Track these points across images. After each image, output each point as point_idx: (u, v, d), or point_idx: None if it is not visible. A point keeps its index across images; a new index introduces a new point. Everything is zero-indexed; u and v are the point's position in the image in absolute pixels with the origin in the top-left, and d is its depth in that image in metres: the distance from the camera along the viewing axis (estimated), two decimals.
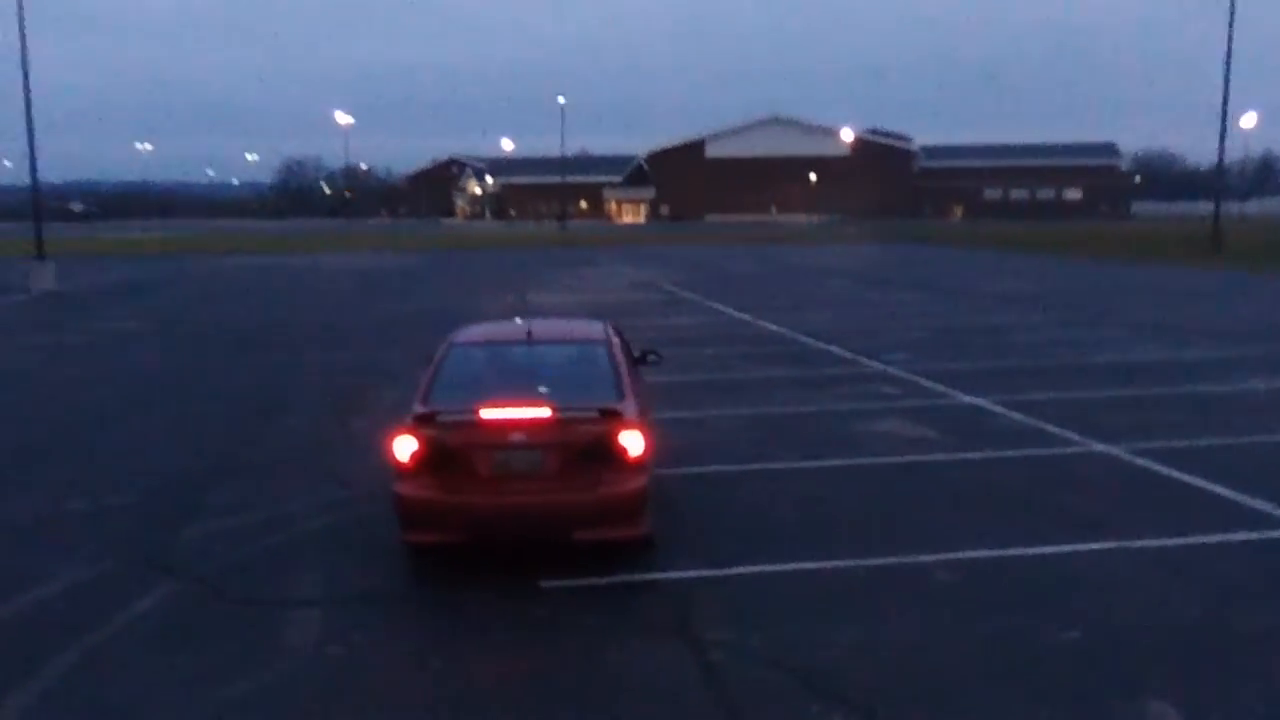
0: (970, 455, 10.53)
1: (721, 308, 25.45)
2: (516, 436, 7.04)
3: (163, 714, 5.45)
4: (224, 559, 7.75)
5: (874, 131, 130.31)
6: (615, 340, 8.44)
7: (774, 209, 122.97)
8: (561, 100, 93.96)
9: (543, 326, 8.75)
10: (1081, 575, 7.20)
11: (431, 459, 7.04)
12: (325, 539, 8.17)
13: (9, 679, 5.81)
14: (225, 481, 9.94)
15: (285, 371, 16.64)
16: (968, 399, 13.37)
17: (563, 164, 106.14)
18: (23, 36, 32.09)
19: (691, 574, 7.29)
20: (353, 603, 6.94)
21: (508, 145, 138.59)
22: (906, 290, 29.84)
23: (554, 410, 7.08)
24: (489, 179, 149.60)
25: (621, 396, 7.55)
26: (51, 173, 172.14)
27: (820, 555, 7.59)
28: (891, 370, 15.72)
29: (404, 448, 7.06)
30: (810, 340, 19.33)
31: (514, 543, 7.45)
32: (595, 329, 8.79)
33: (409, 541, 7.21)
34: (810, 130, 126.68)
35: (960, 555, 7.57)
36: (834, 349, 18.09)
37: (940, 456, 10.48)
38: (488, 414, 7.06)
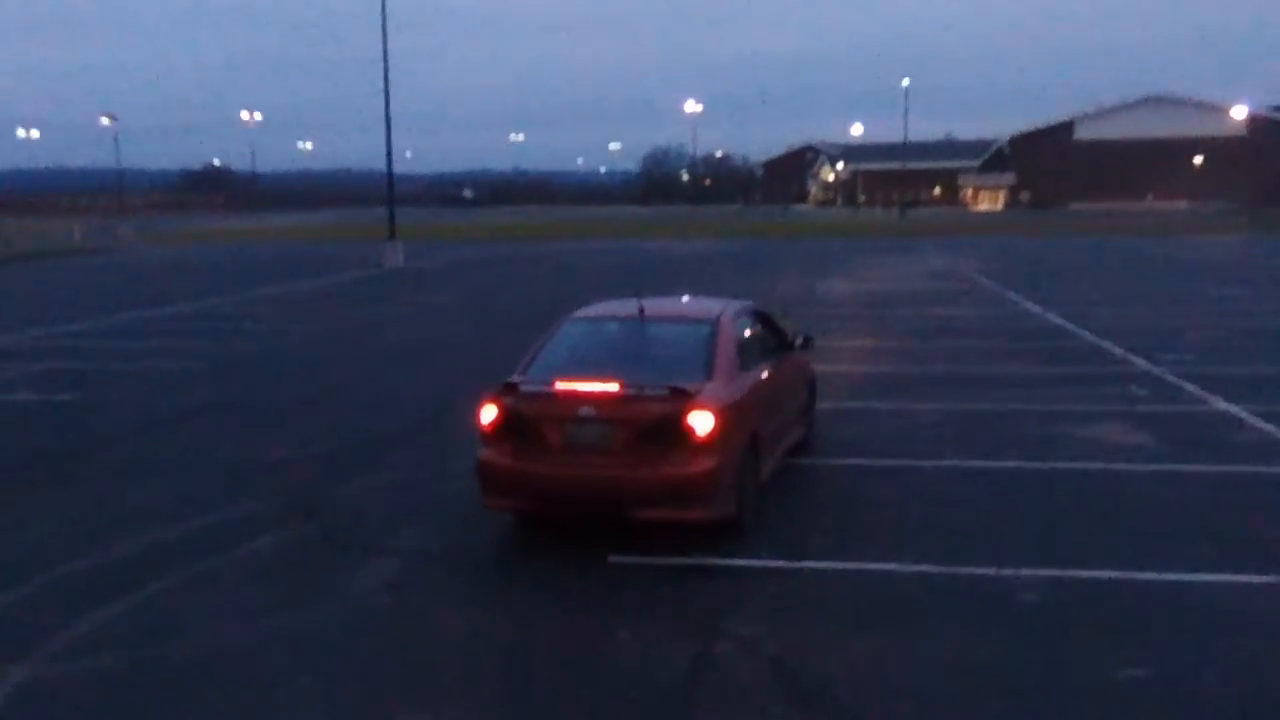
0: (1177, 468, 9.33)
1: (1016, 299, 23.85)
2: (585, 410, 7.15)
3: (203, 631, 6.12)
4: (357, 510, 8.46)
5: (1277, 108, 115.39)
6: (728, 321, 8.27)
7: (1150, 196, 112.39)
8: (905, 83, 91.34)
9: (658, 305, 8.76)
10: (1212, 608, 6.24)
11: (509, 427, 7.32)
12: (456, 500, 8.61)
13: (108, 595, 6.74)
14: (420, 440, 10.80)
15: None
16: (1223, 407, 11.77)
17: (904, 149, 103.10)
18: (385, 37, 35.92)
19: (759, 564, 7.09)
20: (428, 558, 7.37)
21: (857, 130, 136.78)
22: (1253, 287, 26.43)
23: (622, 386, 7.12)
24: (839, 165, 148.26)
25: (707, 377, 7.44)
26: (447, 163, 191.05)
27: (908, 558, 7.09)
28: (1157, 371, 14.12)
29: (486, 415, 7.39)
30: (1089, 335, 17.72)
31: (582, 516, 7.56)
32: (710, 309, 8.68)
33: (488, 507, 7.52)
34: (1198, 108, 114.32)
35: (1069, 573, 6.79)
36: (1109, 346, 16.49)
37: (1138, 467, 9.36)
38: (561, 386, 7.23)
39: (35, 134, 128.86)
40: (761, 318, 9.42)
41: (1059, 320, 19.87)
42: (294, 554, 7.48)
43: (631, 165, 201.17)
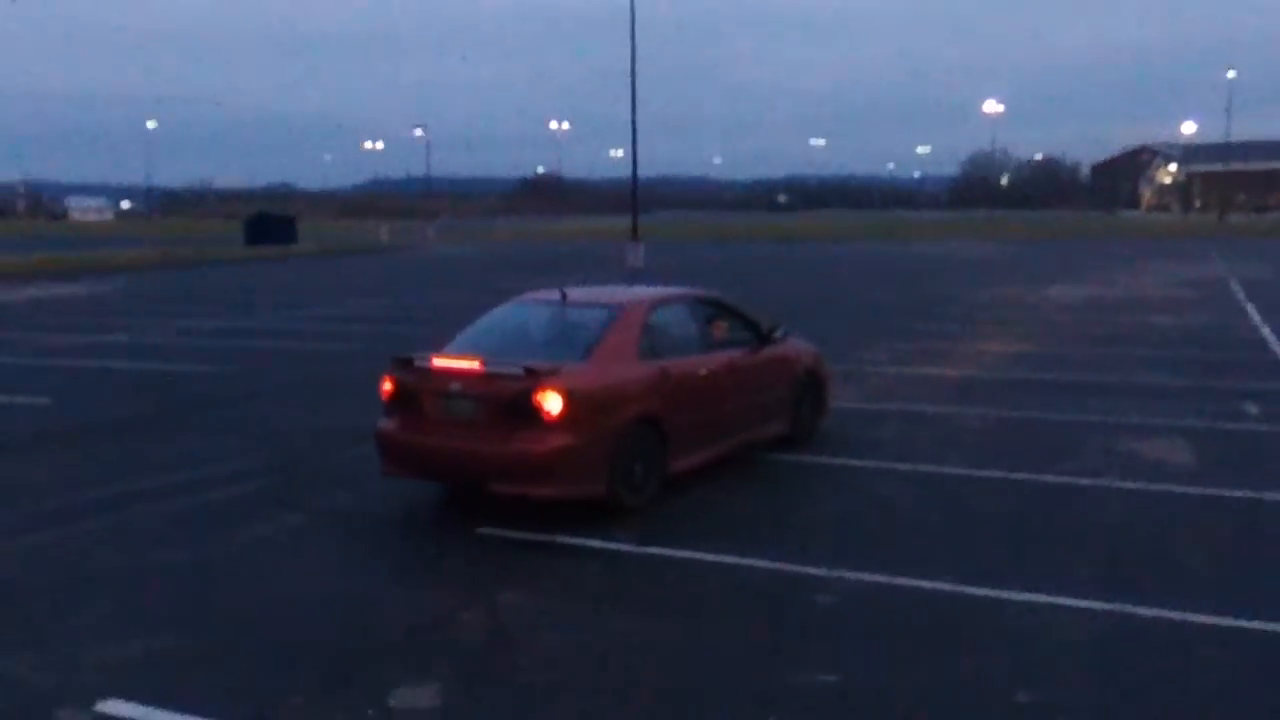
0: (1227, 493, 8.23)
1: (1250, 311, 21.29)
2: (455, 386, 7.47)
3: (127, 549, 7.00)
4: (321, 470, 9.19)
5: None
6: (636, 309, 8.24)
7: None
8: (1231, 74, 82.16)
9: (588, 292, 8.85)
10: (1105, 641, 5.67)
11: (400, 400, 7.77)
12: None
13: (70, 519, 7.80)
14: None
15: None
16: None
17: (1224, 150, 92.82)
18: (633, 48, 37.23)
19: (608, 545, 7.08)
20: (332, 517, 7.95)
21: (1188, 129, 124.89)
22: None
23: (482, 364, 7.38)
24: (1173, 167, 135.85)
25: (581, 360, 7.55)
26: (757, 168, 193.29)
27: (788, 556, 6.77)
28: None
29: (384, 387, 7.87)
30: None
31: (456, 486, 7.85)
32: (626, 296, 8.69)
33: (385, 473, 7.98)
34: None
35: (917, 584, 6.30)
36: None
37: (1183, 489, 8.33)
38: (437, 363, 7.60)
39: (380, 145, 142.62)
40: (717, 308, 9.28)
41: (1268, 334, 17.62)
42: (237, 504, 8.25)
43: (947, 169, 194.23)
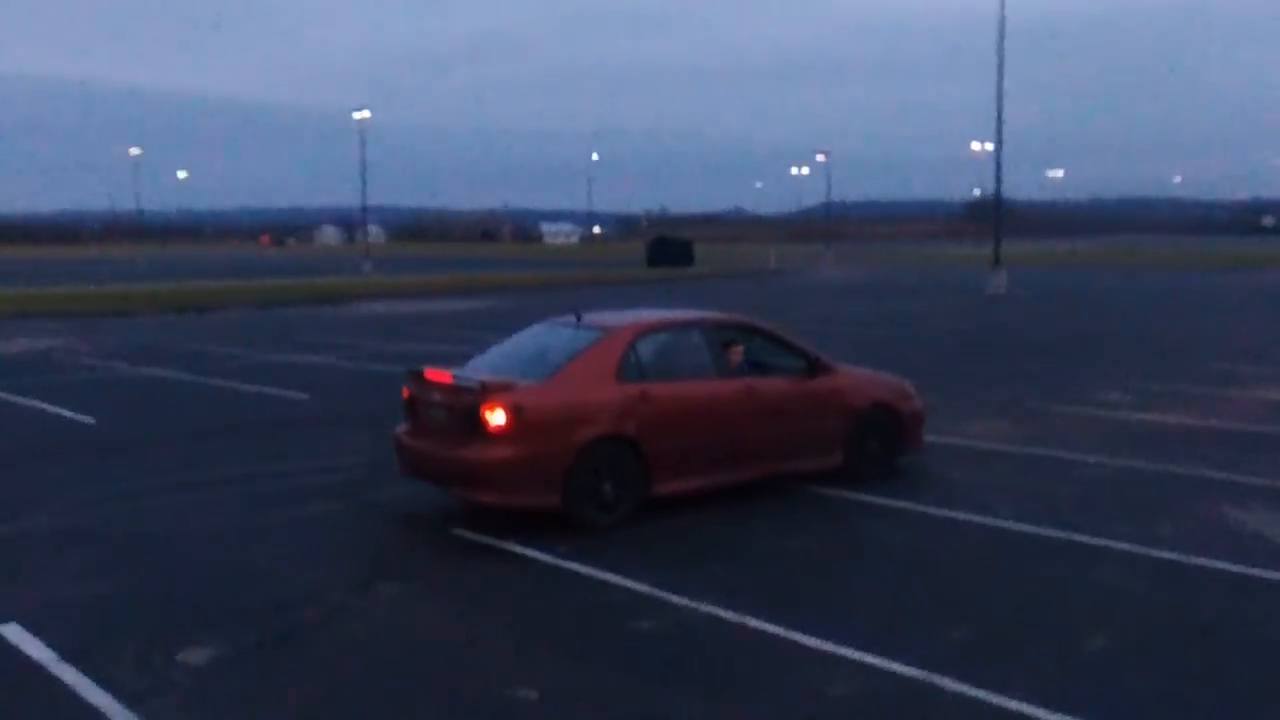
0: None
1: None
2: (435, 396, 8.18)
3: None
4: None
5: None
6: (623, 333, 8.45)
7: None
8: None
9: (602, 315, 9.14)
10: None
11: (408, 407, 8.59)
12: None
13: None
14: None
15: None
16: None
17: None
18: (1000, 67, 35.44)
19: (541, 558, 7.38)
20: (358, 509, 8.94)
21: None
22: None
23: (452, 379, 7.99)
24: None
25: (544, 378, 8.01)
26: (1221, 189, 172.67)
27: (699, 593, 6.57)
28: None
29: (403, 395, 8.71)
30: None
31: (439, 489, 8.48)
32: (625, 320, 8.88)
33: (401, 474, 8.77)
34: None
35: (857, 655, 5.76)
36: None
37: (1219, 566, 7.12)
38: (428, 374, 8.33)
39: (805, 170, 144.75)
40: (750, 336, 9.23)
41: None
42: (318, 491, 9.48)
43: None
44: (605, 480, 7.96)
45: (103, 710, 5.12)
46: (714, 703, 5.16)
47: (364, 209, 79.38)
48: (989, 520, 8.20)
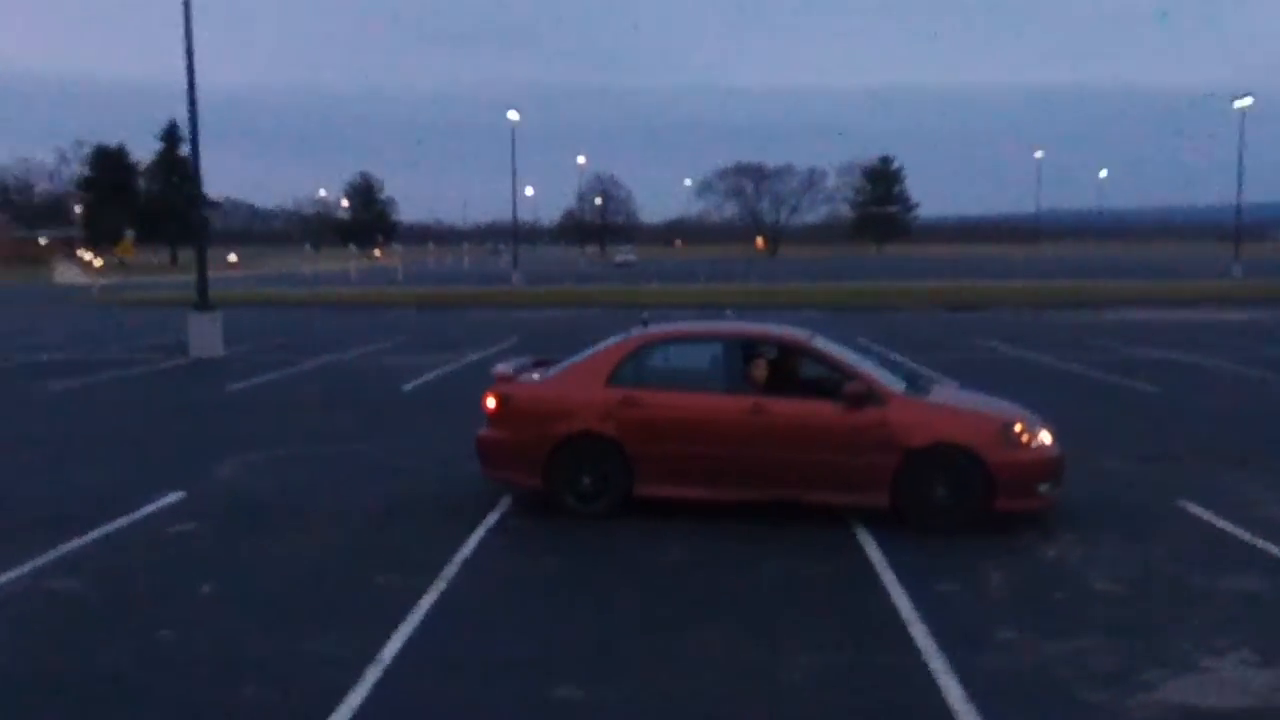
0: None
1: None
2: None
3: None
4: None
5: None
6: (633, 342, 8.92)
7: None
8: None
9: (657, 326, 9.45)
10: None
11: None
12: None
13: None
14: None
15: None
16: None
17: None
18: None
19: (488, 526, 8.41)
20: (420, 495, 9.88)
21: None
22: None
23: (500, 373, 9.20)
24: None
25: (547, 374, 9.07)
26: None
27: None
28: None
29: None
30: None
31: None
32: (646, 330, 9.21)
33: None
34: None
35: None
36: None
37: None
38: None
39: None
40: (793, 354, 8.90)
41: None
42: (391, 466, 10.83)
43: None
44: (585, 473, 8.56)
45: None
46: None
47: (1238, 210, 70.89)
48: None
